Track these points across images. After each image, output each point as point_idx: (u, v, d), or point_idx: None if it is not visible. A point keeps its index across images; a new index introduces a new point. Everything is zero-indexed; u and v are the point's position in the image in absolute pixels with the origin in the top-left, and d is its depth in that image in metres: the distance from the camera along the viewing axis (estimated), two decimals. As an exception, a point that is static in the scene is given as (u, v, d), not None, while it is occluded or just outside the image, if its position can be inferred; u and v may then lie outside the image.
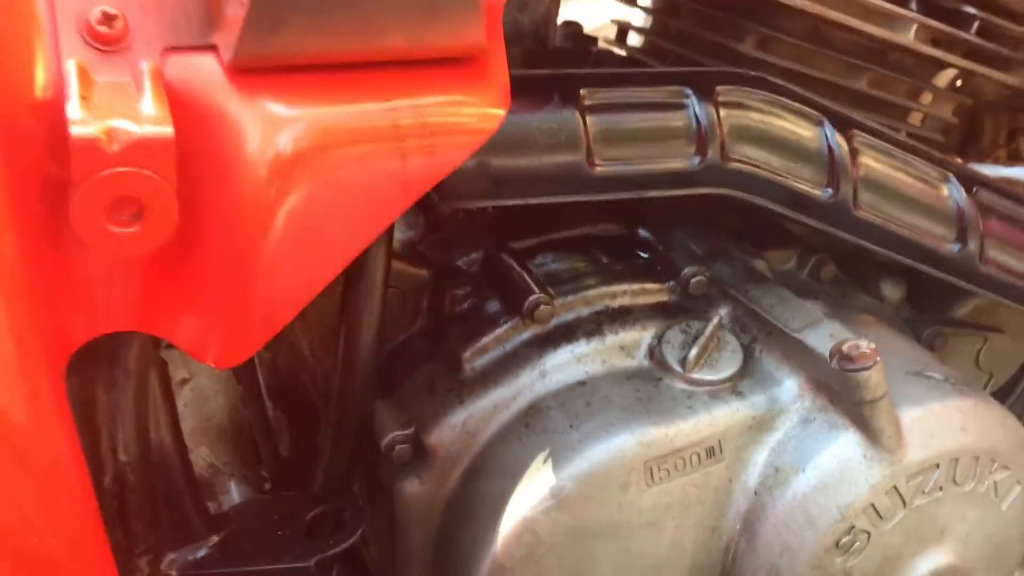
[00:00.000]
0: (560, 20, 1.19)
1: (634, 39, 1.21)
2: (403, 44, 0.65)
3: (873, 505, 0.81)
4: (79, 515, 0.61)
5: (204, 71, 0.62)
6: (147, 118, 0.58)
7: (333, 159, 0.64)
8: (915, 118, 1.15)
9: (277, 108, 0.63)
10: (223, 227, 0.63)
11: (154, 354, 0.76)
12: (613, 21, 1.21)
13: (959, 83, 1.30)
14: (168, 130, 0.58)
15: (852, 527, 0.81)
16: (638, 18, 1.22)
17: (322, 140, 0.63)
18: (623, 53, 1.20)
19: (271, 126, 0.62)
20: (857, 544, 0.82)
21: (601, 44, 1.24)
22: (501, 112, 0.68)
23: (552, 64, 1.10)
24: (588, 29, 1.27)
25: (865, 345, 0.78)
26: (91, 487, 0.63)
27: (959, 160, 1.99)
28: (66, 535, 0.59)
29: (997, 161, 2.36)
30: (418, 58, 0.66)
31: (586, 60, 1.17)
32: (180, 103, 0.61)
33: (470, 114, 0.68)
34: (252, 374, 1.02)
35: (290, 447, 1.07)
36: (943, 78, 1.15)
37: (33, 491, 0.56)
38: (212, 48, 0.63)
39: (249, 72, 0.62)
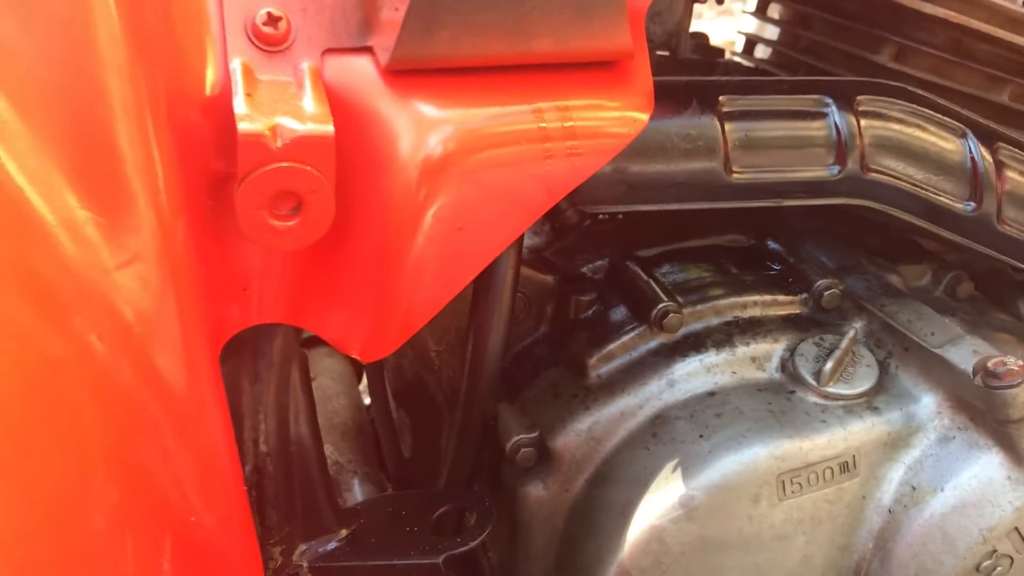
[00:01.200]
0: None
1: (761, 51, 1.20)
2: (551, 47, 0.66)
3: (1017, 529, 0.78)
4: (231, 498, 0.63)
5: (361, 72, 0.64)
6: (309, 116, 0.60)
7: (480, 161, 0.65)
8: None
9: (429, 110, 0.64)
10: (374, 225, 0.65)
11: (296, 348, 0.78)
12: (740, 32, 1.20)
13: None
14: (329, 128, 0.60)
15: (994, 551, 0.79)
16: (766, 31, 1.21)
17: (470, 142, 0.64)
18: (751, 65, 1.19)
19: (423, 128, 0.64)
20: (999, 569, 0.79)
21: (728, 56, 1.23)
22: (645, 116, 0.69)
23: (681, 73, 1.10)
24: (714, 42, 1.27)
25: (1013, 362, 0.76)
26: (240, 472, 0.65)
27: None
28: (220, 515, 0.61)
29: None
30: (565, 61, 0.67)
31: (714, 71, 1.17)
32: (338, 103, 0.63)
33: (614, 118, 0.68)
34: (379, 375, 1.04)
35: (412, 448, 1.08)
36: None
37: (193, 470, 0.59)
38: (369, 50, 0.65)
39: (403, 74, 0.64)
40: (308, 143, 0.59)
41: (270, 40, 0.63)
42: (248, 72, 0.62)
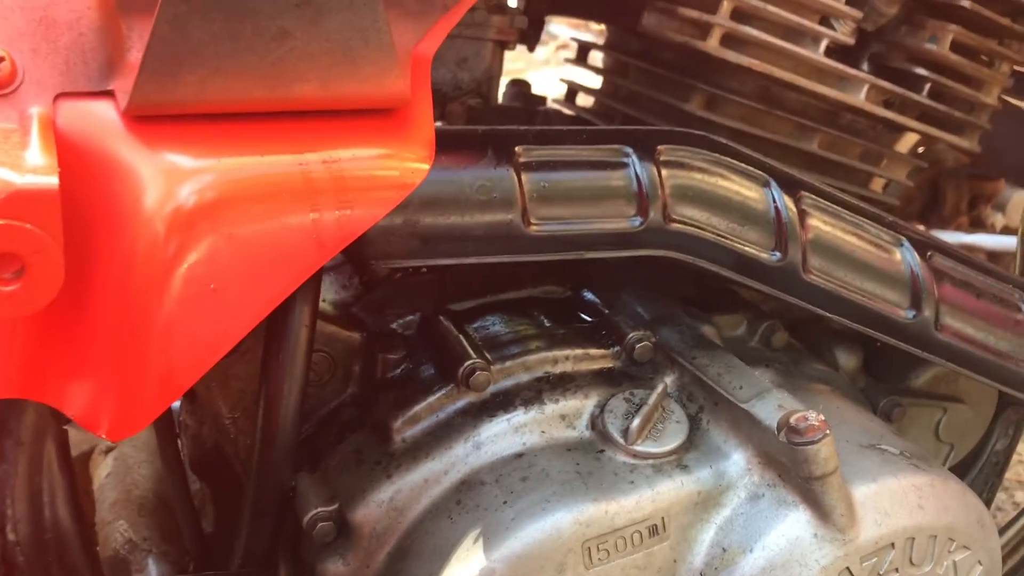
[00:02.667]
0: (509, 79, 1.17)
1: (584, 100, 1.19)
2: (316, 93, 0.61)
3: (826, 588, 0.76)
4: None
5: (100, 118, 0.59)
6: (31, 167, 0.54)
7: (236, 214, 0.59)
8: (877, 185, 1.13)
9: (177, 159, 0.59)
10: (115, 285, 0.58)
11: (51, 423, 0.70)
12: (562, 80, 1.19)
13: (920, 150, 1.29)
14: (52, 181, 0.53)
15: (804, 612, 0.76)
16: (590, 79, 1.20)
17: (225, 194, 0.59)
18: (571, 113, 1.17)
19: (170, 178, 0.58)
20: (809, 631, 0.77)
21: (550, 103, 1.21)
22: (425, 167, 0.65)
23: (497, 121, 1.07)
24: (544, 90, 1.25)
25: (814, 417, 0.74)
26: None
27: (921, 227, 1.99)
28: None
29: (959, 228, 2.36)
30: (333, 108, 0.62)
31: (534, 119, 1.14)
32: (73, 152, 0.57)
33: (390, 168, 0.64)
34: (172, 445, 0.96)
35: (215, 523, 1.00)
36: (904, 145, 1.13)
37: None
38: (110, 94, 0.59)
39: (148, 120, 0.58)
40: (28, 198, 0.53)
41: (-10, 82, 0.56)
42: (-37, 118, 0.55)
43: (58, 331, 0.60)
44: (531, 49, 1.09)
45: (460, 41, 0.97)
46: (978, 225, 2.30)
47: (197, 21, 0.56)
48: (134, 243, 0.58)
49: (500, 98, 1.12)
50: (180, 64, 0.57)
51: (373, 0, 0.59)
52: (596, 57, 1.18)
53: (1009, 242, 2.12)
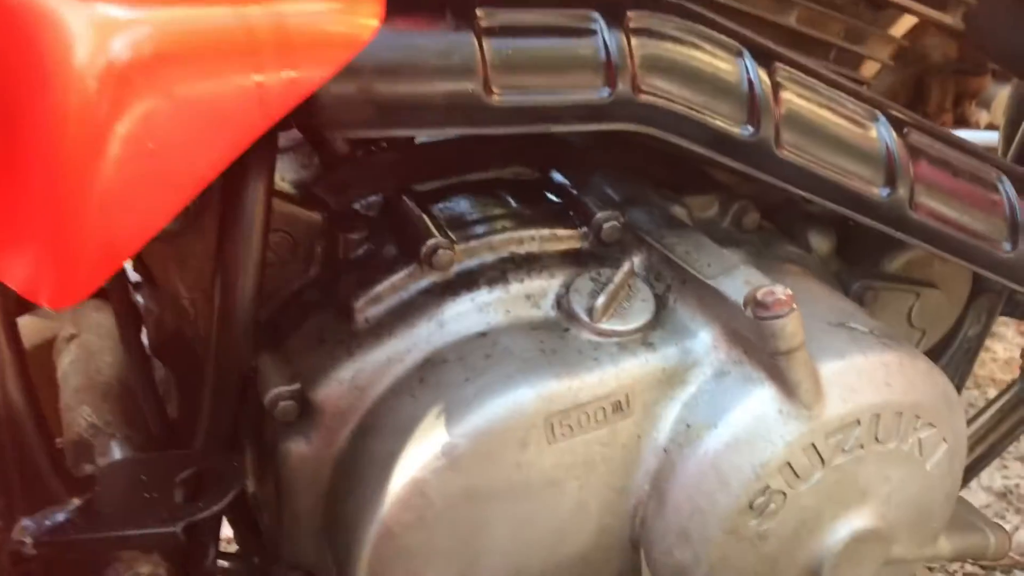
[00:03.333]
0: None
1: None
2: (257, -60, 0.57)
3: (789, 464, 0.76)
4: None
5: (24, -35, 0.54)
6: (-52, 15, 0.50)
7: (175, 70, 0.56)
8: (869, 71, 1.09)
9: (111, 9, 0.55)
10: (47, 147, 0.56)
11: (-3, 300, 0.68)
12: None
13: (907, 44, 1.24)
14: (-29, 28, 0.50)
15: (767, 487, 0.76)
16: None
17: (162, 48, 0.56)
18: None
19: (103, 30, 0.55)
20: (772, 506, 0.77)
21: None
22: (374, 22, 0.61)
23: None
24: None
25: (781, 291, 0.72)
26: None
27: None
28: None
29: (944, 125, 2.33)
30: (277, -43, 0.59)
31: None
32: (-5, 2, 0.53)
33: (337, 22, 0.60)
34: (134, 328, 0.94)
35: (179, 407, 0.99)
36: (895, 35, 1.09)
37: None
38: (34, -61, 0.55)
39: (76, -33, 0.55)
40: (-57, 46, 0.50)
41: (-101, -78, 0.52)
42: None
43: (-10, 195, 0.57)
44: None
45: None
46: (963, 122, 2.27)
47: None
48: (65, 101, 0.55)
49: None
50: (107, -96, 0.53)
51: None
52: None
53: (993, 138, 2.09)
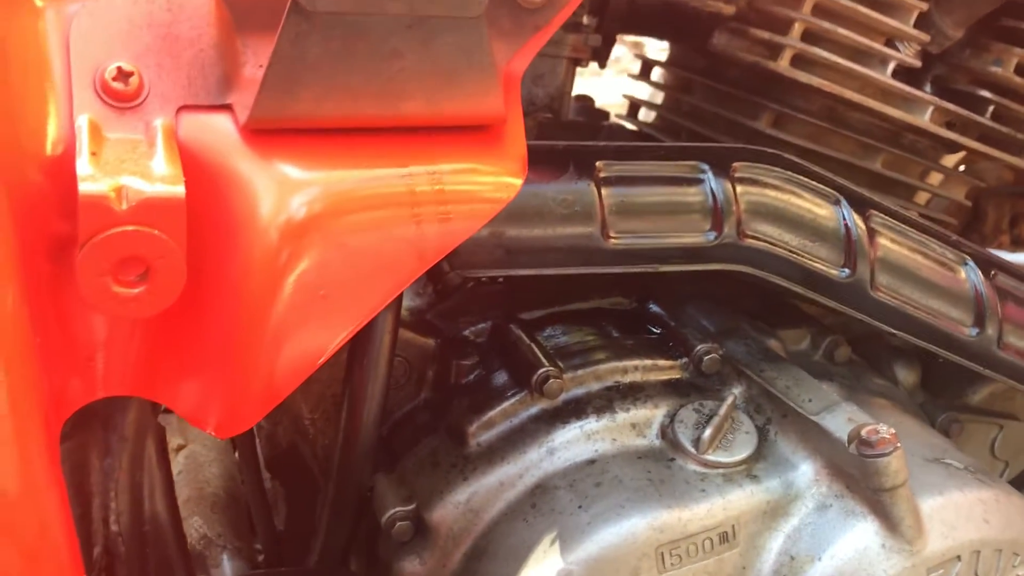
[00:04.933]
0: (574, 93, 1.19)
1: (645, 114, 1.21)
2: (422, 110, 0.64)
3: (892, 597, 0.78)
4: (66, 589, 0.57)
5: (219, 131, 0.61)
6: (158, 177, 0.57)
7: (347, 224, 0.62)
8: (920, 199, 1.14)
9: (291, 171, 0.62)
10: (230, 291, 0.61)
11: (152, 420, 0.74)
12: (625, 96, 1.21)
13: (962, 168, 1.30)
14: (179, 189, 0.56)
15: (871, 620, 0.78)
16: (650, 94, 1.23)
17: (336, 205, 0.62)
18: (634, 128, 1.20)
19: (285, 189, 0.61)
20: (876, 638, 0.79)
21: (613, 118, 1.24)
22: (518, 181, 0.67)
23: (565, 136, 1.10)
24: (599, 104, 1.27)
25: (885, 430, 0.76)
26: (80, 560, 0.60)
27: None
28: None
29: (1000, 246, 2.36)
30: (436, 124, 0.65)
31: (598, 133, 1.17)
32: (193, 162, 0.60)
33: (487, 182, 0.67)
34: (250, 443, 0.99)
35: (286, 520, 1.03)
36: (948, 162, 1.15)
37: (19, 563, 0.53)
38: (228, 108, 0.62)
39: (264, 133, 0.61)
40: (156, 205, 0.56)
41: (120, 96, 0.60)
42: (95, 129, 0.58)
43: (173, 332, 0.63)
44: (602, 66, 1.11)
45: (537, 58, 1.00)
46: (1020, 243, 2.30)
47: (316, 40, 0.59)
48: (249, 250, 0.61)
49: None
50: (298, 81, 0.60)
51: (478, 22, 0.62)
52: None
53: (1052, 261, 2.11)
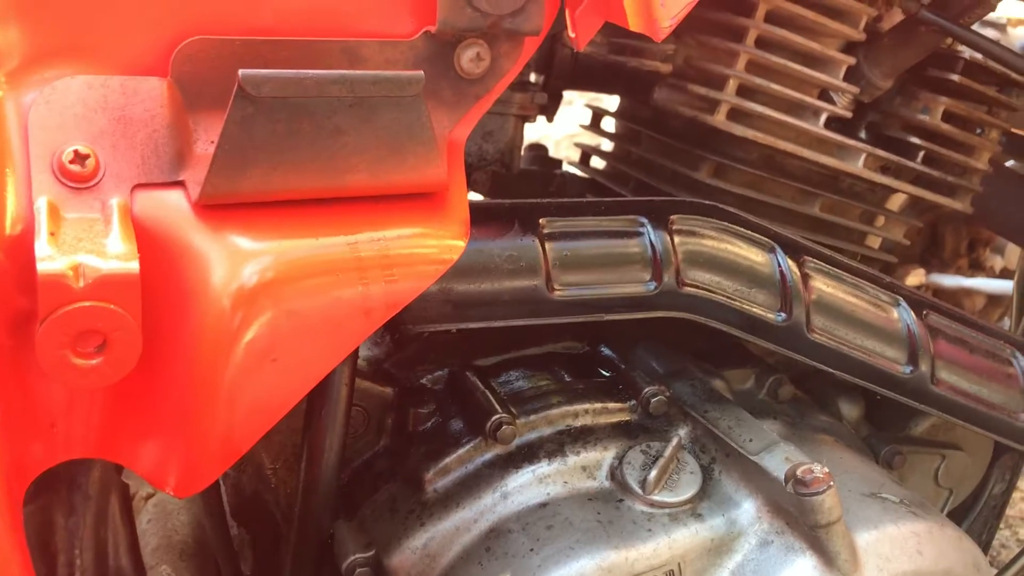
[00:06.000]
0: (527, 144, 1.24)
1: (598, 162, 1.26)
2: (366, 182, 0.68)
3: (832, 631, 0.82)
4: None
5: (172, 207, 0.65)
6: (114, 254, 0.60)
7: (295, 290, 0.66)
8: (873, 241, 1.19)
9: (241, 242, 0.65)
10: (185, 356, 0.65)
11: (115, 477, 0.76)
12: (577, 145, 1.26)
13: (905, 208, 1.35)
14: (133, 266, 0.60)
15: (811, 653, 0.81)
16: (600, 142, 1.27)
17: (285, 272, 0.65)
18: (586, 176, 1.24)
19: (235, 259, 0.64)
20: (817, 670, 0.82)
21: (566, 166, 1.28)
22: (462, 243, 0.71)
23: (518, 187, 1.14)
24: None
25: (819, 469, 0.80)
26: (44, 619, 0.62)
27: (921, 270, 2.04)
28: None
29: (959, 271, 2.41)
30: (381, 194, 0.69)
31: (551, 182, 1.21)
32: (148, 237, 0.63)
33: (431, 245, 0.70)
34: (215, 493, 1.01)
35: (252, 567, 1.06)
36: (895, 201, 1.20)
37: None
38: (181, 184, 0.66)
39: (215, 208, 0.65)
40: (112, 282, 0.59)
41: (77, 177, 0.63)
42: (53, 210, 0.62)
43: (131, 398, 0.66)
44: (550, 120, 1.16)
45: (486, 116, 1.04)
46: (977, 268, 2.35)
47: (262, 122, 0.63)
48: (203, 318, 0.64)
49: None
50: (246, 159, 0.63)
51: (418, 100, 0.66)
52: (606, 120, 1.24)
53: (1007, 285, 2.17)
